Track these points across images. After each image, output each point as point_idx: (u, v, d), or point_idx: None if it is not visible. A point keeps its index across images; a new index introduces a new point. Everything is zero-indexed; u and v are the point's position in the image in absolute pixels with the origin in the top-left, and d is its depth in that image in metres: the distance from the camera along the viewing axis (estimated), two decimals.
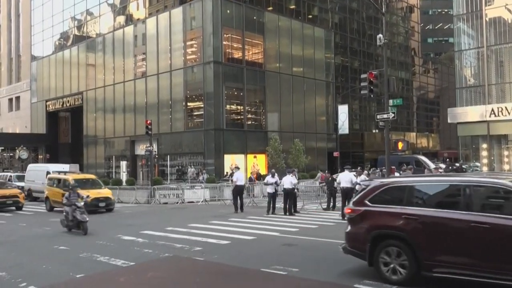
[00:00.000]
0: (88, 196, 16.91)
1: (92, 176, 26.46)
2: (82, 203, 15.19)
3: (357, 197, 8.79)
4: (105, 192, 22.96)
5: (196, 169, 34.47)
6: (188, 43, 38.12)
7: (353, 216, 8.48)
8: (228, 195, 24.32)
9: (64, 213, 15.47)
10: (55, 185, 23.69)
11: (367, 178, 18.23)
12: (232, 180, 23.55)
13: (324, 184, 22.70)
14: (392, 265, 7.77)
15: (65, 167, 31.29)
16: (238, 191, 20.54)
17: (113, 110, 43.90)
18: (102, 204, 21.63)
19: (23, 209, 24.23)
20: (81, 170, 43.44)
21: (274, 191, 19.66)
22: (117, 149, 44.19)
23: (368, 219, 8.17)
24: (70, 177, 22.83)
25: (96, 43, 46.93)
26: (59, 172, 26.30)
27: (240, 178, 20.93)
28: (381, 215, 8.04)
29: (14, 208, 23.91)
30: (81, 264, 10.12)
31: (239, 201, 20.37)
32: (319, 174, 32.38)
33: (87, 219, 14.79)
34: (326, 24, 48.87)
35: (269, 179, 20.21)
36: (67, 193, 16.06)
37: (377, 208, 8.13)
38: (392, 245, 7.77)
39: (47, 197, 23.75)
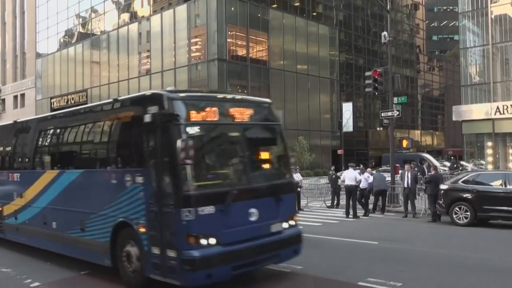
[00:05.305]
0: None
1: None
2: None
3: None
4: None
5: None
6: (193, 40, 38.14)
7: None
8: None
9: None
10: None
11: (371, 176, 18.24)
12: None
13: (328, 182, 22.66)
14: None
15: None
16: None
17: None
18: None
19: None
20: None
21: None
22: None
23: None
24: None
25: (100, 40, 47.01)
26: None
27: None
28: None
29: None
30: (86, 261, 10.13)
31: None
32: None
33: None
34: (330, 22, 48.75)
35: None
36: None
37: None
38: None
39: None
